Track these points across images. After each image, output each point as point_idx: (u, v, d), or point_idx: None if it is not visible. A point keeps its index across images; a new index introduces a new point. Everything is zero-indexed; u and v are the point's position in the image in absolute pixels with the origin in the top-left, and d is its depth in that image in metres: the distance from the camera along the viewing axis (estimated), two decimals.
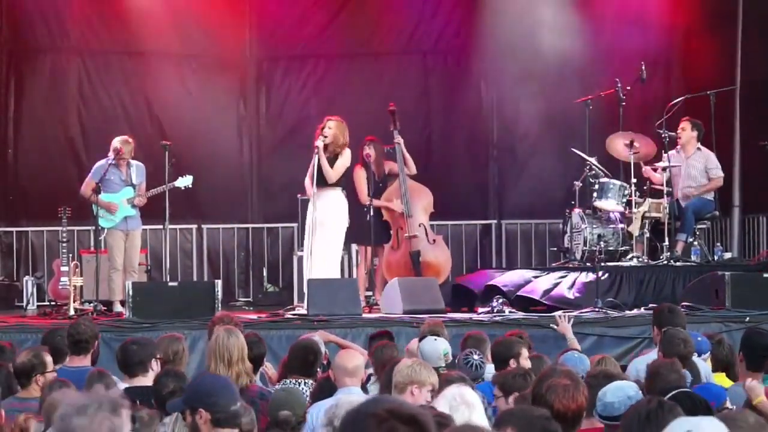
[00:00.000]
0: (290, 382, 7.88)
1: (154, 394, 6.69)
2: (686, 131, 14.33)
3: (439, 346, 8.13)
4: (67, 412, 3.69)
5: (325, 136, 12.94)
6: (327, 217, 12.92)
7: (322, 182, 12.90)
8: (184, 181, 13.40)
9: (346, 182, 13.29)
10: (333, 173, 12.93)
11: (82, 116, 16.47)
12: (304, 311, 12.57)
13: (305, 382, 7.84)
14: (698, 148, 14.37)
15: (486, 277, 14.14)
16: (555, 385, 4.93)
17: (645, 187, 14.16)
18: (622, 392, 5.70)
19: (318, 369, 8.19)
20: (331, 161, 12.95)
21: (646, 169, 14.24)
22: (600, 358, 7.94)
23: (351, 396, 5.61)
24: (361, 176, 13.86)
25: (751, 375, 7.23)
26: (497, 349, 8.29)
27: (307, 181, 13.11)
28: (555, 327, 10.76)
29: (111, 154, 13.30)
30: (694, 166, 14.33)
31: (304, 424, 6.50)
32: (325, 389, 7.34)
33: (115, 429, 3.71)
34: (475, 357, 8.10)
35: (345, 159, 13.02)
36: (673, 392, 5.82)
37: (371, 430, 3.07)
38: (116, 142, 13.39)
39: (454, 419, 5.04)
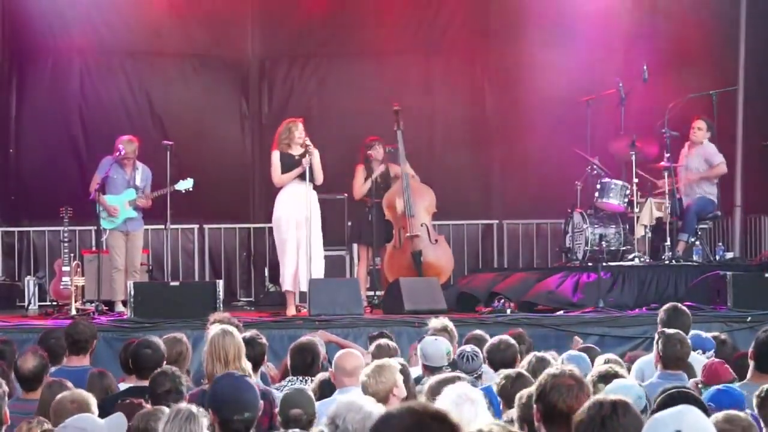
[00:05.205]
0: (291, 379, 7.89)
1: (150, 392, 6.69)
2: (702, 131, 14.33)
3: (442, 346, 8.12)
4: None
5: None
6: (316, 216, 12.92)
7: (310, 181, 12.88)
8: (185, 184, 13.40)
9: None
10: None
11: (84, 116, 16.45)
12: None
13: (304, 380, 7.86)
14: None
15: (488, 282, 14.10)
16: (559, 385, 4.90)
17: (649, 183, 14.17)
18: (632, 392, 5.70)
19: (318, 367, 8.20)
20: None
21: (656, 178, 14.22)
22: (607, 359, 7.92)
23: (350, 396, 5.60)
24: (359, 174, 13.93)
25: (760, 376, 7.24)
26: (493, 354, 8.21)
27: (286, 176, 13.03)
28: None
29: (116, 153, 13.33)
30: (692, 160, 14.34)
31: (314, 422, 6.50)
32: (325, 389, 7.35)
33: None
34: (467, 349, 8.08)
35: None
36: (669, 391, 5.79)
37: (405, 423, 3.28)
38: (119, 142, 13.41)
39: (460, 416, 5.02)
